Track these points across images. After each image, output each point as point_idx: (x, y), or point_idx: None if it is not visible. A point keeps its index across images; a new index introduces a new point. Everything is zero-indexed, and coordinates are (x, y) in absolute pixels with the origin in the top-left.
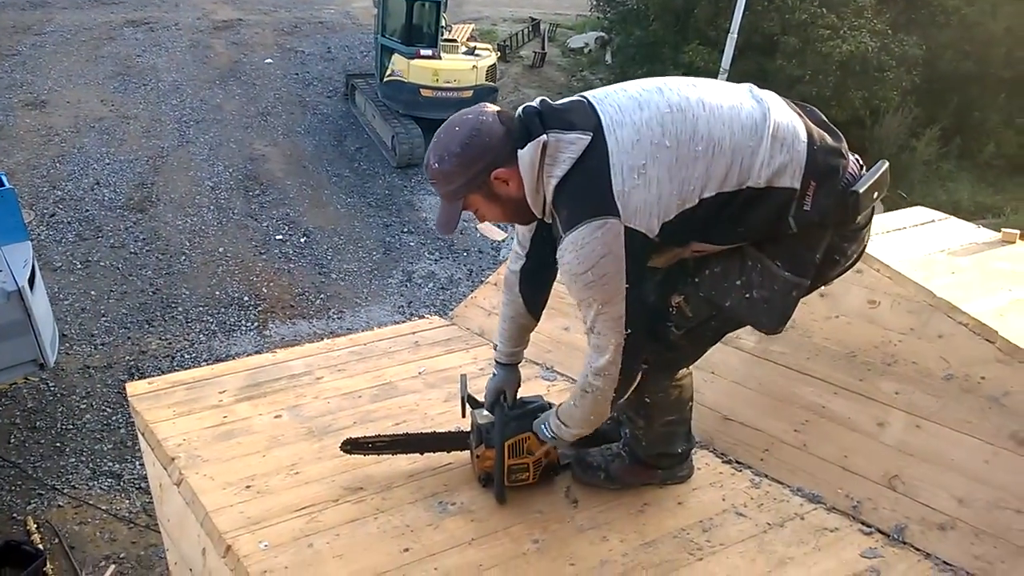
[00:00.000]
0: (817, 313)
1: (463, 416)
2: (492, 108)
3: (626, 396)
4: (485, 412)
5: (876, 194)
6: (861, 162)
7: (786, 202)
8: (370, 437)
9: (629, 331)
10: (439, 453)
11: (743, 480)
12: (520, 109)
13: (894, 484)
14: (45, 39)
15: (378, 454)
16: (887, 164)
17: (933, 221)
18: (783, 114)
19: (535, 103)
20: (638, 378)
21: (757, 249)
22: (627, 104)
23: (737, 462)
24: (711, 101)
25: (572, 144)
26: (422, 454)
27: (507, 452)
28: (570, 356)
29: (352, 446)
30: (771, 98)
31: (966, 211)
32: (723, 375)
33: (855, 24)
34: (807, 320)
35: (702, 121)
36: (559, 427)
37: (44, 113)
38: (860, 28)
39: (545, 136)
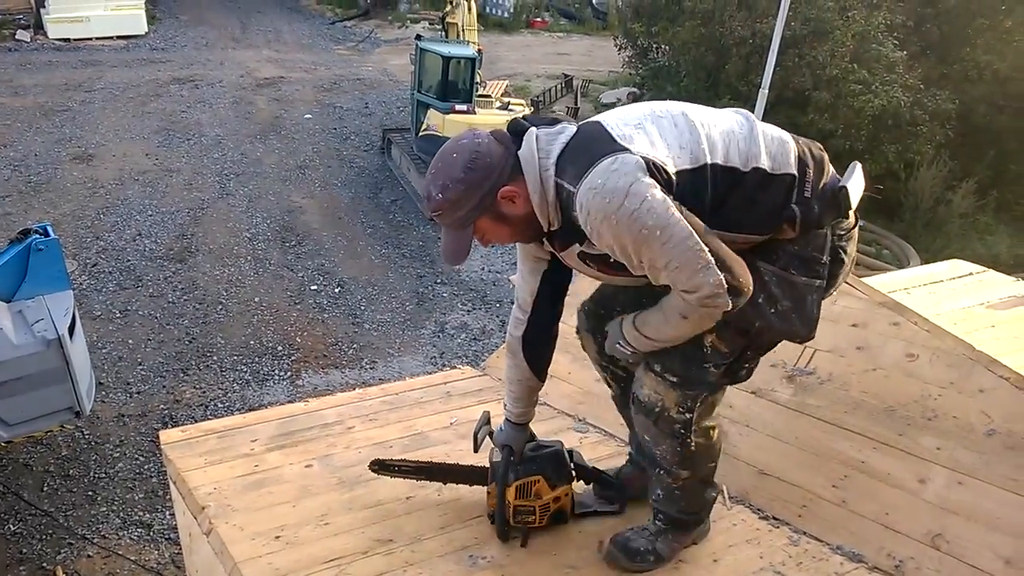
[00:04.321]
0: (855, 366)
1: (475, 451)
2: (483, 131)
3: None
4: None
5: (859, 191)
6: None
7: (789, 187)
8: (397, 460)
9: (708, 246)
10: (468, 498)
11: (781, 537)
12: (507, 125)
13: (937, 543)
14: (95, 95)
15: (403, 477)
16: (860, 164)
17: (971, 274)
18: (766, 124)
19: (518, 117)
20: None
21: (769, 263)
22: (613, 110)
23: (774, 518)
24: (698, 107)
25: (561, 132)
26: (444, 483)
27: (515, 493)
28: (602, 407)
29: (380, 467)
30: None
31: (1005, 264)
32: (758, 428)
33: (887, 79)
34: (845, 373)
35: (690, 110)
36: (637, 339)
37: (91, 166)
38: (892, 83)
39: (535, 129)
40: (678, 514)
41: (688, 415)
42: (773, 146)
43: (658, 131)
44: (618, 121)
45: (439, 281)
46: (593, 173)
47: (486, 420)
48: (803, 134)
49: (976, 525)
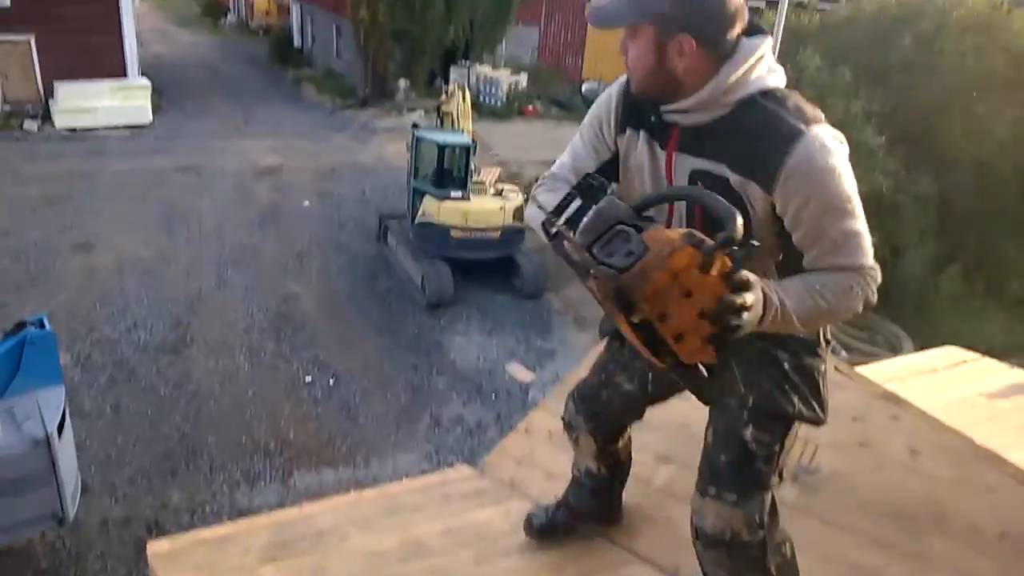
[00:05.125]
0: (859, 464)
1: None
2: None
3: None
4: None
5: None
6: None
7: None
8: None
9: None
10: None
11: None
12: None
13: None
14: (98, 184)
15: None
16: None
17: (966, 362)
18: None
19: None
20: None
21: (785, 351)
22: None
23: None
24: None
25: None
26: None
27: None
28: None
29: None
30: None
31: (999, 349)
32: None
33: (868, 165)
34: (849, 472)
35: None
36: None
37: (90, 255)
38: (873, 168)
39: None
40: None
41: (761, 532)
42: None
43: None
44: None
45: (434, 372)
46: (827, 129)
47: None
48: None
49: None
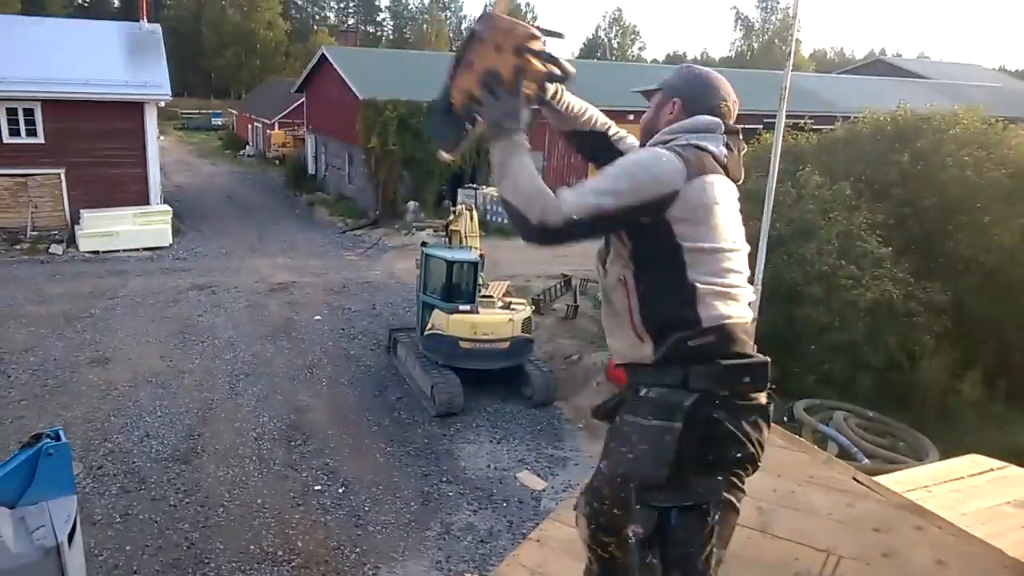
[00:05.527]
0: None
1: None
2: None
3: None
4: None
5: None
6: None
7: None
8: None
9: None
10: None
11: None
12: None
13: None
14: (117, 302)
15: None
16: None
17: (992, 470)
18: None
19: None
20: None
21: (631, 415)
22: None
23: None
24: None
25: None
26: None
27: None
28: None
29: None
30: None
31: None
32: None
33: (876, 274)
34: None
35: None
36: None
37: (106, 369)
38: (882, 277)
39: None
40: None
41: None
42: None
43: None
44: None
45: (444, 480)
46: (665, 152)
47: None
48: (799, 329)
49: None
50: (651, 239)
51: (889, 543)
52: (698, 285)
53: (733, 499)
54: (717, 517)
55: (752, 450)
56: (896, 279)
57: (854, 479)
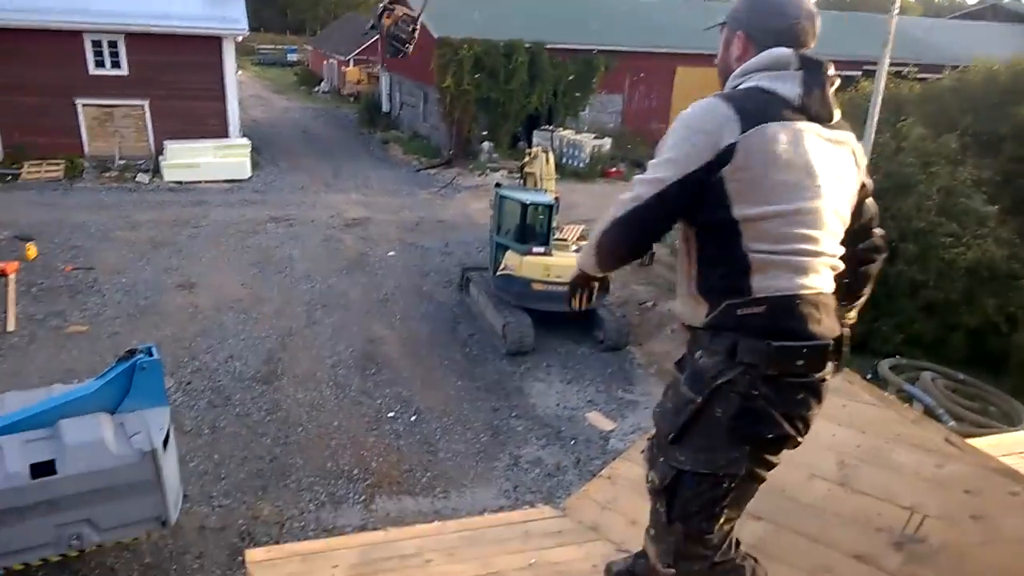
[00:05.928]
0: (971, 537)
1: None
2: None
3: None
4: None
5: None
6: None
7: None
8: None
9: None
10: None
11: None
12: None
13: None
14: (200, 231)
15: None
16: None
17: None
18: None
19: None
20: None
21: (679, 370)
22: None
23: None
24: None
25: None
26: None
27: None
28: None
29: None
30: None
31: None
32: None
33: (979, 233)
34: (959, 543)
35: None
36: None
37: (192, 293)
38: (984, 236)
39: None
40: None
41: (670, 571)
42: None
43: None
44: None
45: (514, 415)
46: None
47: None
48: (893, 284)
49: None
50: (704, 201)
51: (980, 505)
52: (753, 255)
53: (760, 471)
54: (733, 486)
55: (788, 431)
56: (1000, 239)
57: (946, 440)
